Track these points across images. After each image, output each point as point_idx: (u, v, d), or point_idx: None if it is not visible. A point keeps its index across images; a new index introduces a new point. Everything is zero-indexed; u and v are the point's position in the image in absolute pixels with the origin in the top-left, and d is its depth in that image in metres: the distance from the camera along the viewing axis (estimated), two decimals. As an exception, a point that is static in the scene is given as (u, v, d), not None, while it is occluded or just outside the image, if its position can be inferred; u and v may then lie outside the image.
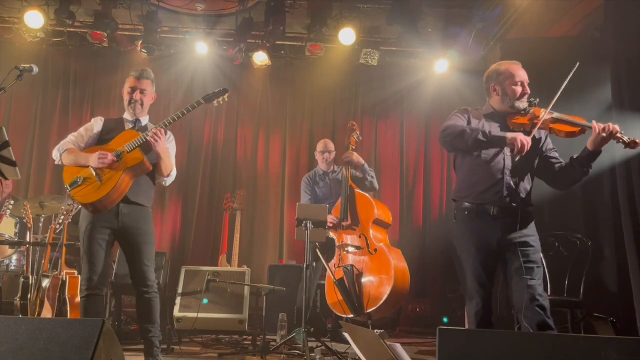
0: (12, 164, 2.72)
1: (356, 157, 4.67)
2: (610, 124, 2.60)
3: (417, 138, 6.81)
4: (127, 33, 6.05)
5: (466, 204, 2.86)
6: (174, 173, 3.42)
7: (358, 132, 4.82)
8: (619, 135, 2.58)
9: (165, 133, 3.28)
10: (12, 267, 4.72)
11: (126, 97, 3.38)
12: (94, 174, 3.10)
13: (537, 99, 2.84)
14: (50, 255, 4.05)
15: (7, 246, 4.60)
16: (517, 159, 2.79)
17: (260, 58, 6.11)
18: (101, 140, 3.31)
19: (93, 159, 3.11)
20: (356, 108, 6.85)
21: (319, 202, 4.77)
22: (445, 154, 6.76)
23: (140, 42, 5.88)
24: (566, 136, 2.73)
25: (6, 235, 4.61)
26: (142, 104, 3.37)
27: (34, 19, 5.46)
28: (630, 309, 3.74)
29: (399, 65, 6.56)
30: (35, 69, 2.91)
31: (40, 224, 4.76)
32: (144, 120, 3.44)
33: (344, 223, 4.47)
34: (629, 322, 3.82)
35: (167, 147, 3.35)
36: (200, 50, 6.04)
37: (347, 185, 4.55)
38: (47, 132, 6.45)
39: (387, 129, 6.85)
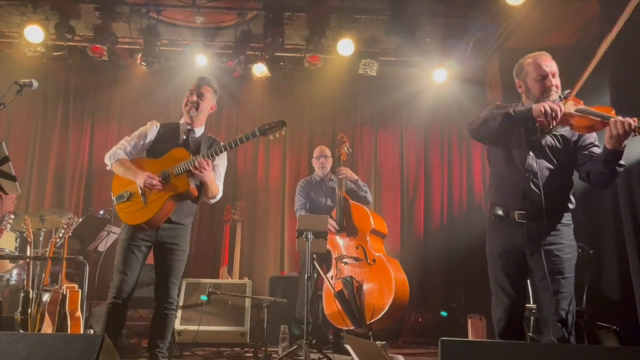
0: (12, 178, 2.73)
1: (350, 173, 4.77)
2: (625, 120, 2.32)
3: (417, 147, 6.82)
4: (126, 46, 6.08)
5: (496, 208, 2.74)
6: (219, 195, 3.40)
7: (348, 144, 4.89)
8: (636, 131, 2.31)
9: (213, 160, 3.22)
10: (13, 282, 4.70)
11: (184, 101, 3.39)
12: (140, 193, 3.14)
13: (568, 90, 2.60)
14: (51, 269, 4.04)
15: (8, 261, 4.59)
16: (542, 158, 2.61)
17: (260, 70, 6.14)
18: (154, 150, 3.32)
19: (141, 179, 3.12)
20: (356, 118, 6.87)
21: (314, 206, 4.79)
22: (446, 164, 6.78)
23: (140, 55, 5.91)
24: (588, 131, 2.51)
25: (7, 250, 4.60)
26: (197, 107, 3.34)
27: (34, 34, 5.48)
28: (634, 317, 3.72)
29: (397, 76, 6.58)
30: (35, 83, 2.93)
31: (41, 238, 4.75)
32: (199, 130, 3.42)
33: (339, 235, 4.47)
34: (632, 331, 3.80)
35: (217, 164, 3.35)
36: (199, 62, 6.07)
37: (342, 198, 4.58)
38: (48, 146, 6.46)
39: (387, 139, 6.86)
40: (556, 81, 2.66)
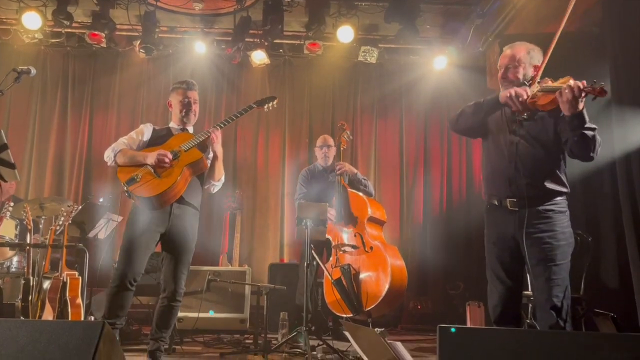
0: (11, 166, 2.73)
1: (349, 167, 4.76)
2: (573, 85, 2.32)
3: (416, 135, 6.81)
4: (125, 33, 6.04)
5: (491, 197, 2.78)
6: (223, 179, 3.48)
7: (348, 132, 4.86)
8: (584, 91, 2.29)
9: (222, 127, 3.42)
10: (13, 269, 4.71)
11: (179, 108, 3.42)
12: (152, 171, 3.14)
13: (531, 76, 2.68)
14: (51, 256, 4.05)
15: (8, 248, 4.60)
16: (524, 147, 2.64)
17: (259, 57, 6.10)
18: (152, 144, 3.34)
19: (151, 157, 3.15)
20: (355, 106, 6.85)
21: (314, 197, 4.78)
22: (446, 151, 6.78)
23: (138, 42, 5.88)
24: (553, 106, 2.45)
25: (7, 237, 4.60)
26: (195, 114, 3.46)
27: (32, 21, 5.44)
28: (632, 304, 3.74)
29: (397, 63, 6.56)
30: (33, 71, 2.91)
31: (41, 226, 4.75)
32: (190, 129, 3.48)
33: (338, 225, 4.48)
34: (630, 318, 3.82)
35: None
36: (198, 49, 6.04)
37: (341, 186, 4.58)
38: (47, 133, 6.45)
39: (387, 127, 6.85)
40: (516, 70, 2.73)
